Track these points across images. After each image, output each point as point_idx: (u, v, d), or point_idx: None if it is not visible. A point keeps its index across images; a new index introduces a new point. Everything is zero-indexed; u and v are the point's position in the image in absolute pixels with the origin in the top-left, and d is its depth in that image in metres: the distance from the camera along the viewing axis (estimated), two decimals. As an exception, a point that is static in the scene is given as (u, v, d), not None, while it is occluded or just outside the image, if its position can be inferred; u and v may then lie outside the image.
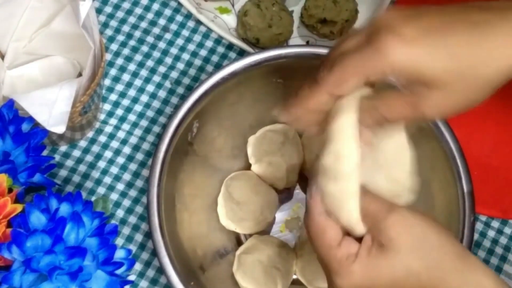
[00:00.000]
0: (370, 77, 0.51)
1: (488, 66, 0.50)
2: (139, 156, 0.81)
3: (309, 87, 0.54)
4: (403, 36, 0.49)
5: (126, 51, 0.84)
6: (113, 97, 0.82)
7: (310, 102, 0.54)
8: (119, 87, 0.83)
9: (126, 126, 0.82)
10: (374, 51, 0.50)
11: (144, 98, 0.83)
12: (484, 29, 0.50)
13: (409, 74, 0.50)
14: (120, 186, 0.80)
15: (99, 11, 0.85)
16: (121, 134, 0.81)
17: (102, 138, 0.81)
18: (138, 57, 0.84)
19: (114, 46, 0.84)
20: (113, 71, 0.83)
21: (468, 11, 0.51)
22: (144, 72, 0.84)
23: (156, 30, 0.85)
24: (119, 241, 0.78)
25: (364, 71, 0.51)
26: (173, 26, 0.85)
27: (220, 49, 0.85)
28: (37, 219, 0.59)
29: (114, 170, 0.80)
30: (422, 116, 0.52)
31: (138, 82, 0.83)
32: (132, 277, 0.76)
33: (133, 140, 0.81)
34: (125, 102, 0.82)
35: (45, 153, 0.74)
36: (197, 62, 0.84)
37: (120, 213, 0.79)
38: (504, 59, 0.50)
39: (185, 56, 0.84)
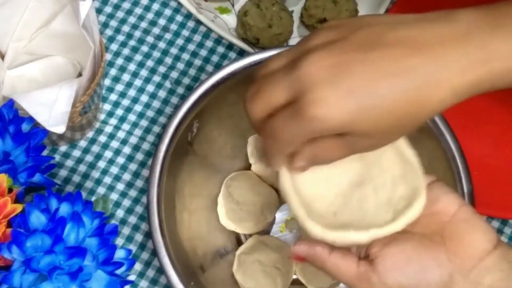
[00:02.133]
0: (308, 137, 0.52)
1: (418, 116, 0.50)
2: (139, 156, 0.81)
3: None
4: (328, 105, 0.49)
5: (126, 51, 0.84)
6: (113, 97, 0.82)
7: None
8: (119, 87, 0.83)
9: (126, 126, 0.82)
10: (308, 123, 0.50)
11: (144, 98, 0.83)
12: (416, 76, 0.49)
13: (346, 132, 0.50)
14: (120, 186, 0.80)
15: (99, 11, 0.85)
16: (121, 134, 0.81)
17: (102, 138, 0.81)
18: (138, 57, 0.84)
19: (114, 46, 0.84)
20: (113, 71, 0.83)
21: (398, 55, 0.50)
22: (144, 72, 0.84)
23: (156, 30, 0.85)
24: (119, 241, 0.78)
25: (301, 138, 0.52)
26: (173, 26, 0.85)
27: (220, 49, 0.85)
28: (37, 219, 0.59)
29: (114, 170, 0.80)
30: (358, 153, 0.53)
31: (138, 82, 0.83)
32: (132, 277, 0.77)
33: (133, 140, 0.81)
34: (125, 102, 0.82)
35: (45, 153, 0.74)
36: (197, 62, 0.84)
37: (120, 213, 0.79)
38: (439, 101, 0.50)
39: (185, 56, 0.84)
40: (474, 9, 0.51)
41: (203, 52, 0.85)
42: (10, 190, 0.61)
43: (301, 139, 0.52)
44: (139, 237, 0.78)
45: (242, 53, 0.85)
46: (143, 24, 0.85)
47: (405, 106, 0.49)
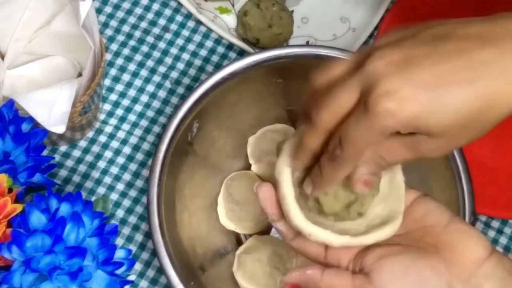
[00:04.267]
0: (382, 141, 0.50)
1: (491, 114, 0.49)
2: (139, 156, 0.81)
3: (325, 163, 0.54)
4: (400, 97, 0.47)
5: (126, 51, 0.84)
6: (113, 97, 0.82)
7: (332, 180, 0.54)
8: (119, 87, 0.83)
9: (126, 126, 0.82)
10: (379, 119, 0.48)
11: (144, 98, 0.83)
12: (485, 72, 0.48)
13: (414, 129, 0.49)
14: (120, 186, 0.80)
15: (99, 11, 0.85)
16: (121, 134, 0.81)
17: (102, 138, 0.81)
18: (138, 57, 0.84)
19: (114, 46, 0.84)
20: (113, 71, 0.83)
21: (466, 48, 0.48)
22: (144, 72, 0.84)
23: (156, 30, 0.85)
24: (119, 241, 0.78)
25: (372, 141, 0.50)
26: (173, 26, 0.85)
27: (220, 49, 0.85)
28: (37, 219, 0.59)
29: (114, 170, 0.80)
30: (422, 157, 0.51)
31: (138, 82, 0.83)
32: (132, 277, 0.76)
33: (133, 140, 0.81)
34: (125, 102, 0.82)
35: (45, 153, 0.74)
36: (197, 62, 0.84)
37: (120, 213, 0.79)
38: (506, 104, 0.48)
39: (185, 56, 0.84)
40: None
41: (203, 52, 0.85)
42: (10, 190, 0.61)
43: (375, 139, 0.49)
44: (139, 237, 0.78)
45: (242, 53, 0.85)
46: (143, 24, 0.85)
47: (478, 101, 0.48)
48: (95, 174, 0.80)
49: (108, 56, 0.83)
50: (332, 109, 0.50)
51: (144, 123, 0.82)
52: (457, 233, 0.54)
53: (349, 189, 0.55)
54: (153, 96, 0.83)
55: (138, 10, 0.86)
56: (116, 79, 0.83)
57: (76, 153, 0.80)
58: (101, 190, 0.79)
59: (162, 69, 0.84)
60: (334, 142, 0.51)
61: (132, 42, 0.84)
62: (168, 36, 0.85)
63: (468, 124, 0.49)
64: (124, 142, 0.81)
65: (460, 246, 0.53)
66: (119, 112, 0.82)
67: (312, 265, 0.55)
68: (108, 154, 0.80)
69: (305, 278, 0.55)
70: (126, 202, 0.79)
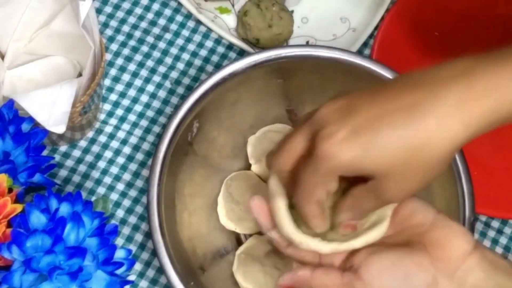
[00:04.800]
0: (330, 181, 0.54)
1: (426, 153, 0.51)
2: (139, 156, 0.81)
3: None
4: (338, 141, 0.51)
5: (126, 51, 0.84)
6: (113, 97, 0.82)
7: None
8: (119, 87, 0.83)
9: (126, 126, 0.82)
10: (321, 161, 0.52)
11: (144, 98, 0.83)
12: (416, 113, 0.51)
13: (357, 171, 0.52)
14: (120, 186, 0.80)
15: (99, 11, 0.85)
16: (121, 134, 0.81)
17: (102, 138, 0.81)
18: (138, 57, 0.84)
19: (114, 46, 0.84)
20: (113, 71, 0.83)
21: (400, 94, 0.52)
22: (144, 72, 0.84)
23: (156, 30, 0.85)
24: (119, 241, 0.78)
25: (319, 182, 0.54)
26: (173, 26, 0.85)
27: (220, 49, 0.85)
28: (37, 219, 0.59)
29: (114, 170, 0.80)
30: (389, 201, 0.55)
31: (138, 82, 0.83)
32: (132, 277, 0.76)
33: (133, 140, 0.81)
34: (125, 102, 0.82)
35: (45, 153, 0.74)
36: (197, 62, 0.84)
37: (120, 213, 0.79)
38: (444, 138, 0.51)
39: (185, 56, 0.84)
40: (475, 54, 0.52)
41: (203, 52, 0.85)
42: (10, 190, 0.61)
43: (322, 180, 0.54)
44: (139, 237, 0.78)
45: (242, 53, 0.85)
46: (143, 24, 0.85)
47: (411, 140, 0.51)
48: (95, 174, 0.80)
49: (108, 56, 0.83)
50: (286, 152, 0.56)
51: (144, 123, 0.82)
52: (442, 229, 0.56)
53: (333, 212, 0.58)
54: (153, 96, 0.83)
55: (138, 10, 0.86)
56: (116, 79, 0.83)
57: (76, 153, 0.80)
58: (101, 190, 0.79)
59: (162, 69, 0.84)
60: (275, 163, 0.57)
61: (132, 42, 0.84)
62: (168, 36, 0.85)
63: (408, 163, 0.51)
64: (124, 142, 0.81)
65: (444, 242, 0.55)
66: (119, 112, 0.82)
67: (302, 267, 0.58)
68: (108, 154, 0.80)
69: (297, 278, 0.58)
70: (126, 202, 0.79)
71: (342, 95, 0.54)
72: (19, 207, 0.60)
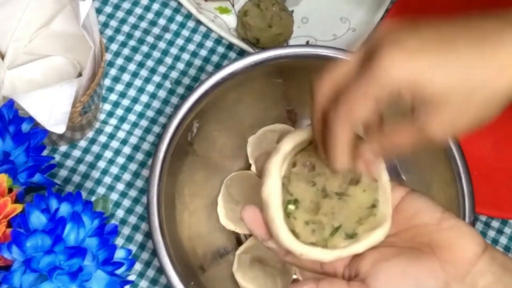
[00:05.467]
0: (379, 98, 0.48)
1: (497, 83, 0.48)
2: (139, 156, 0.81)
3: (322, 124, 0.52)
4: (407, 48, 0.47)
5: (126, 51, 0.84)
6: (113, 97, 0.82)
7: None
8: (119, 87, 0.83)
9: (126, 126, 0.82)
10: (378, 69, 0.47)
11: (144, 98, 0.83)
12: (491, 42, 0.47)
13: (413, 92, 0.48)
14: (120, 186, 0.80)
15: (99, 11, 0.85)
16: (121, 134, 0.81)
17: (102, 138, 0.81)
18: (138, 57, 0.84)
19: (114, 46, 0.84)
20: (113, 71, 0.83)
21: (471, 21, 0.49)
22: (144, 72, 0.84)
23: (156, 30, 0.85)
24: (119, 241, 0.78)
25: (372, 93, 0.48)
26: (173, 26, 0.85)
27: (220, 49, 0.85)
28: (37, 219, 0.59)
29: (114, 170, 0.80)
30: (431, 138, 0.50)
31: (138, 82, 0.83)
32: (132, 277, 0.76)
33: (133, 140, 0.81)
34: (125, 102, 0.82)
35: (45, 153, 0.74)
36: (197, 62, 0.84)
37: (120, 213, 0.79)
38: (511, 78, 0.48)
39: (185, 56, 0.84)
40: None
41: (203, 52, 0.85)
42: (10, 190, 0.61)
43: (367, 97, 0.48)
44: (139, 237, 0.78)
45: (242, 53, 0.85)
46: (143, 24, 0.85)
47: (487, 70, 0.47)
48: (95, 174, 0.80)
49: (108, 56, 0.83)
50: (330, 75, 0.50)
51: (144, 123, 0.82)
52: (450, 231, 0.54)
53: (332, 216, 0.56)
54: (153, 96, 0.83)
55: (138, 10, 0.86)
56: (116, 79, 0.83)
57: (76, 153, 0.80)
58: (101, 190, 0.79)
59: (162, 69, 0.84)
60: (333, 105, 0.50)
61: (132, 42, 0.84)
62: (168, 36, 0.85)
63: (470, 94, 0.47)
64: (124, 142, 0.81)
65: (453, 244, 0.53)
66: (119, 112, 0.82)
67: (305, 280, 0.54)
68: (108, 154, 0.80)
69: None
70: (126, 202, 0.79)
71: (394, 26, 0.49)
72: (19, 207, 0.60)
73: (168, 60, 0.84)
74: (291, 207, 0.56)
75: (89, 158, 0.80)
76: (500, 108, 0.49)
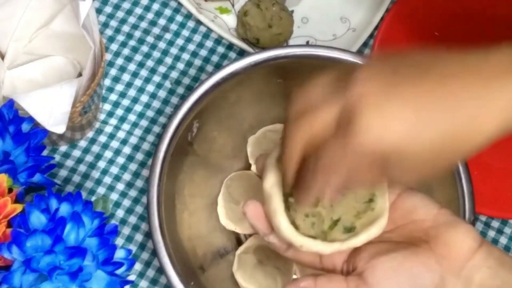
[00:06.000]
0: (355, 166, 0.50)
1: (466, 142, 0.49)
2: (139, 156, 0.81)
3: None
4: (386, 118, 0.47)
5: (126, 51, 0.84)
6: (113, 97, 0.82)
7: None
8: (119, 87, 0.83)
9: (126, 126, 0.82)
10: (357, 139, 0.48)
11: (144, 98, 0.83)
12: (468, 101, 0.48)
13: (391, 149, 0.48)
14: (120, 186, 0.80)
15: (99, 11, 0.85)
16: (121, 134, 0.81)
17: (102, 138, 0.81)
18: (138, 57, 0.84)
19: (114, 46, 0.84)
20: (113, 71, 0.83)
21: (447, 77, 0.49)
22: (144, 72, 0.84)
23: (156, 30, 0.85)
24: (119, 241, 0.78)
25: (348, 159, 0.49)
26: (173, 26, 0.85)
27: (220, 49, 0.85)
28: (37, 219, 0.59)
29: (114, 170, 0.80)
30: (389, 180, 0.53)
31: (138, 82, 0.83)
32: (132, 277, 0.76)
33: (133, 140, 0.81)
34: (125, 102, 0.82)
35: (45, 153, 0.74)
36: (197, 62, 0.84)
37: (120, 213, 0.79)
38: (483, 132, 0.49)
39: (185, 56, 0.84)
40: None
41: (203, 52, 0.85)
42: (10, 190, 0.61)
43: (351, 157, 0.49)
44: (139, 237, 0.78)
45: (242, 53, 0.85)
46: (143, 24, 0.85)
47: (458, 127, 0.48)
48: (95, 174, 0.80)
49: (108, 56, 0.83)
50: (309, 125, 0.50)
51: (144, 123, 0.82)
52: (446, 226, 0.55)
53: (331, 210, 0.57)
54: (153, 96, 0.83)
55: (138, 10, 0.86)
56: (116, 79, 0.83)
57: (76, 153, 0.80)
58: (101, 190, 0.79)
59: (162, 69, 0.84)
60: (313, 157, 0.51)
61: (132, 42, 0.84)
62: (168, 36, 0.85)
63: (443, 151, 0.49)
64: (124, 142, 0.81)
65: (450, 239, 0.54)
66: (119, 112, 0.82)
67: (304, 277, 0.56)
68: (108, 154, 0.80)
69: None
70: (126, 202, 0.79)
71: (373, 69, 0.49)
72: (19, 207, 0.60)
73: (168, 60, 0.84)
74: (292, 199, 0.56)
75: (89, 158, 0.80)
76: (466, 158, 0.52)
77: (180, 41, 0.85)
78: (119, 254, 0.62)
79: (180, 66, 0.84)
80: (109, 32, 0.85)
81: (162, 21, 0.86)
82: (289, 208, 0.56)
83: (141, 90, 0.83)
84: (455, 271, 0.53)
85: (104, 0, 0.86)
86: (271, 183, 0.57)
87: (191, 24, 0.86)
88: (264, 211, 0.57)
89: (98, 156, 0.80)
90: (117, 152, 0.81)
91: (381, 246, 0.55)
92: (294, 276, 0.77)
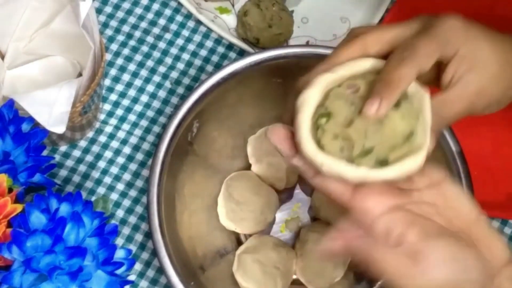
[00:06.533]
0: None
1: None
2: (139, 156, 0.81)
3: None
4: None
5: (126, 51, 0.84)
6: (113, 97, 0.82)
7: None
8: (119, 87, 0.83)
9: (126, 126, 0.82)
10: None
11: (144, 98, 0.83)
12: None
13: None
14: (120, 186, 0.80)
15: (99, 11, 0.85)
16: (121, 134, 0.81)
17: (102, 138, 0.81)
18: (138, 57, 0.84)
19: (114, 46, 0.84)
20: (113, 71, 0.83)
21: None
22: (144, 72, 0.84)
23: (156, 30, 0.85)
24: (119, 241, 0.78)
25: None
26: (173, 26, 0.85)
27: (220, 49, 0.85)
28: (37, 219, 0.59)
29: (114, 170, 0.80)
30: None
31: (138, 82, 0.83)
32: (132, 277, 0.77)
33: (133, 140, 0.81)
34: (125, 102, 0.82)
35: (45, 153, 0.74)
36: (197, 62, 0.84)
37: (120, 213, 0.79)
38: None
39: (185, 56, 0.84)
40: None
41: (203, 52, 0.85)
42: (10, 190, 0.61)
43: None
44: (139, 237, 0.78)
45: (242, 53, 0.85)
46: (143, 24, 0.85)
47: None
48: (95, 174, 0.80)
49: (108, 56, 0.83)
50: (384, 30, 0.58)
51: (144, 123, 0.82)
52: (488, 230, 0.54)
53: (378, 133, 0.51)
54: (153, 96, 0.83)
55: (138, 10, 0.86)
56: (116, 79, 0.83)
57: (76, 153, 0.80)
58: (101, 190, 0.79)
59: (162, 69, 0.84)
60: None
61: (132, 42, 0.84)
62: (168, 36, 0.85)
63: None
64: (124, 142, 0.81)
65: (491, 243, 0.54)
66: (119, 112, 0.82)
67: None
68: (108, 154, 0.81)
69: (355, 244, 0.53)
70: (126, 202, 0.79)
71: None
72: (19, 207, 0.60)
73: (168, 60, 0.84)
74: (323, 120, 0.52)
75: (89, 158, 0.80)
76: None
77: (180, 41, 0.85)
78: (119, 254, 0.62)
79: (180, 66, 0.84)
80: (109, 32, 0.85)
81: (162, 21, 0.86)
82: (318, 128, 0.51)
83: (141, 90, 0.83)
84: (492, 275, 0.53)
85: (104, 0, 0.86)
86: (305, 97, 0.52)
87: (191, 24, 0.86)
88: (289, 132, 0.53)
89: (98, 156, 0.80)
90: (117, 152, 0.81)
91: (431, 225, 0.53)
92: (294, 276, 0.77)
